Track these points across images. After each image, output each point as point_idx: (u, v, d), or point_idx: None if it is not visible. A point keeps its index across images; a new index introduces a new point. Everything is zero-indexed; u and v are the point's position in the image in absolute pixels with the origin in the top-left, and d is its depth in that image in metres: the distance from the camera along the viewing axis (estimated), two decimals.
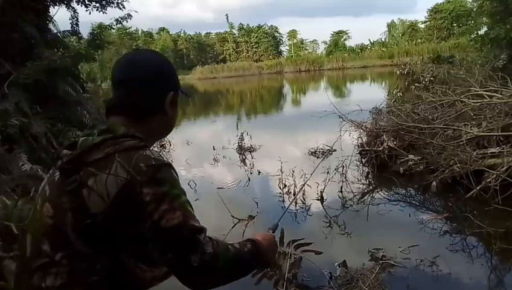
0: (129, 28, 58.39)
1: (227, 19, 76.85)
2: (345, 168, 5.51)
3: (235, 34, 69.95)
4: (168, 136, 8.89)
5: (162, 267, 0.98)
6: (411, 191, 5.28)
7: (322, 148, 7.44)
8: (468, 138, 4.98)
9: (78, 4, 9.35)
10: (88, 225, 0.88)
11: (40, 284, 0.92)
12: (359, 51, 58.39)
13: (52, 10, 9.01)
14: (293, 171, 5.29)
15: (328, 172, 5.26)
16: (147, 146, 0.97)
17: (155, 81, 1.04)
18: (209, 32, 74.95)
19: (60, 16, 9.29)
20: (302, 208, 4.87)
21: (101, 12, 9.52)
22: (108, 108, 1.04)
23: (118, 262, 0.92)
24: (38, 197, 1.01)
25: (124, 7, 9.48)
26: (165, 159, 0.96)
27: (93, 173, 0.89)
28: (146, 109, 1.03)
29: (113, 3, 9.49)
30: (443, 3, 55.54)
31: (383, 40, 61.51)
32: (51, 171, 1.03)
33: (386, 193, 5.28)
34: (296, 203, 4.99)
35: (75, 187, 0.89)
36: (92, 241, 0.89)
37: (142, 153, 0.92)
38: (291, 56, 61.30)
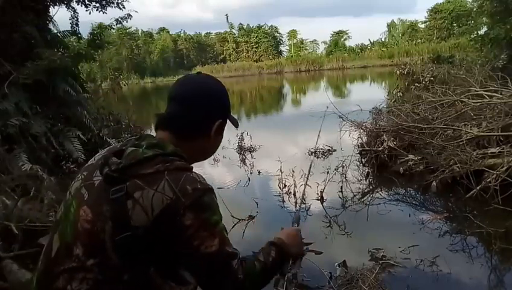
0: (129, 28, 58.46)
1: (227, 19, 77.04)
2: (345, 168, 5.51)
3: (235, 34, 69.99)
4: None
5: (189, 286, 0.99)
6: (411, 191, 5.27)
7: (322, 149, 7.44)
8: (468, 138, 4.98)
9: (78, 4, 9.37)
10: (127, 237, 0.88)
11: (65, 287, 0.91)
12: (359, 51, 58.41)
13: (52, 10, 9.02)
14: (293, 171, 5.29)
15: (328, 172, 5.26)
16: (193, 168, 1.00)
17: (208, 105, 1.06)
18: (209, 32, 75.16)
19: (60, 16, 9.29)
20: (302, 208, 4.86)
21: (101, 12, 9.52)
22: (159, 121, 1.06)
23: (147, 276, 0.92)
24: (73, 198, 0.99)
25: (124, 7, 9.51)
26: (209, 183, 0.99)
27: (141, 186, 0.90)
28: (194, 130, 1.05)
29: (113, 3, 9.50)
30: (443, 3, 55.59)
31: (383, 40, 61.58)
32: (85, 173, 1.01)
33: (386, 193, 5.27)
34: (296, 203, 4.99)
35: (120, 197, 0.89)
36: (126, 252, 0.89)
37: (189, 175, 0.96)
38: (291, 56, 61.32)
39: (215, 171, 7.17)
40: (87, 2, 9.43)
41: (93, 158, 1.07)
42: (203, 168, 7.37)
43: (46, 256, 0.99)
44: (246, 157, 7.77)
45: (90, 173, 1.01)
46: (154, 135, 1.07)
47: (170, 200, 0.89)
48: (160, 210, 0.88)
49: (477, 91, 6.00)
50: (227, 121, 1.16)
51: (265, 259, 1.06)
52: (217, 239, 0.93)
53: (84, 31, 9.84)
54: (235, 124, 1.21)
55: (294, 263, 1.27)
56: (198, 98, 1.05)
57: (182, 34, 71.61)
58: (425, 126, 5.64)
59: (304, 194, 4.24)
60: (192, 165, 1.07)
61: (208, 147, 1.11)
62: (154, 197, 0.89)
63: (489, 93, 5.84)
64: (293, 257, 1.23)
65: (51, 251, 0.97)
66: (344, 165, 5.52)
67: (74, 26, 9.60)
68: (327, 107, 4.74)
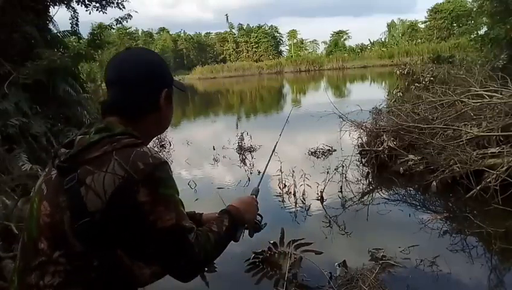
0: (129, 28, 58.45)
1: (227, 19, 76.90)
2: (344, 168, 5.50)
3: (235, 34, 69.97)
4: (168, 137, 8.89)
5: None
6: (411, 191, 5.28)
7: (322, 149, 7.44)
8: (468, 138, 4.98)
9: (78, 4, 9.35)
10: (85, 223, 0.88)
11: (38, 283, 0.91)
12: (359, 51, 58.41)
13: (52, 10, 9.00)
14: (293, 171, 5.29)
15: (328, 172, 5.26)
16: (144, 143, 0.98)
17: (148, 80, 1.03)
18: (209, 32, 75.12)
19: (60, 16, 9.29)
20: (302, 208, 4.87)
21: (101, 12, 9.52)
22: (104, 108, 1.04)
23: (115, 259, 0.92)
24: (35, 195, 1.01)
25: (124, 7, 9.48)
26: (161, 156, 0.97)
27: (91, 171, 0.89)
28: (141, 108, 1.03)
29: (113, 3, 9.49)
30: (443, 3, 55.57)
31: (383, 40, 61.56)
32: (46, 170, 1.02)
33: (386, 193, 5.27)
34: (296, 203, 4.99)
35: (73, 185, 0.90)
36: (89, 239, 0.89)
37: (139, 150, 0.93)
38: (291, 56, 61.30)
39: (215, 171, 7.17)
40: (87, 2, 9.41)
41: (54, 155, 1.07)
42: (203, 169, 7.38)
43: (20, 254, 1.01)
44: (245, 157, 7.77)
45: (49, 168, 1.01)
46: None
47: (122, 179, 0.88)
48: (112, 191, 0.87)
49: (477, 91, 6.00)
50: (173, 87, 1.13)
51: (218, 229, 1.05)
52: (173, 213, 0.92)
53: (84, 31, 9.83)
54: (182, 89, 1.18)
55: (249, 230, 1.29)
56: (136, 76, 1.01)
57: (182, 34, 71.68)
58: (425, 126, 5.64)
59: (303, 193, 4.24)
60: (150, 141, 1.09)
61: (161, 119, 1.08)
62: (106, 179, 0.88)
63: (489, 93, 5.84)
64: (247, 224, 1.24)
65: (23, 249, 0.99)
66: (344, 165, 5.52)
67: (74, 26, 9.59)
68: (325, 110, 4.72)
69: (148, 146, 0.99)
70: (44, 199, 0.96)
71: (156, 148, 9.16)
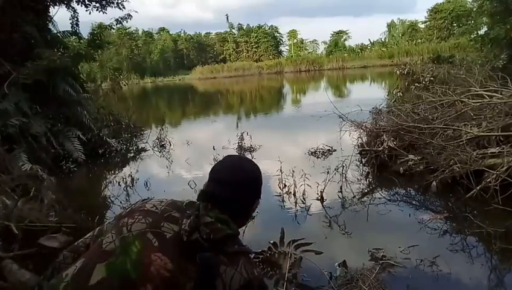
0: (129, 28, 58.44)
1: (227, 19, 76.84)
2: (344, 168, 5.50)
3: (235, 34, 69.98)
4: (168, 136, 8.88)
5: None
6: (411, 191, 5.27)
7: (322, 148, 7.44)
8: (468, 138, 4.98)
9: (78, 4, 9.37)
10: None
11: None
12: (359, 51, 58.40)
13: (52, 10, 9.02)
14: (293, 171, 5.29)
15: (328, 172, 5.25)
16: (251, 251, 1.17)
17: (253, 190, 1.22)
18: (209, 32, 75.03)
19: (60, 16, 9.30)
20: (302, 208, 4.87)
21: (101, 12, 9.53)
22: (208, 198, 1.15)
23: None
24: (134, 238, 1.05)
25: (124, 7, 9.50)
26: None
27: (225, 262, 1.05)
28: (239, 211, 1.19)
29: (113, 3, 9.51)
30: (443, 3, 55.58)
31: (383, 40, 61.56)
32: (150, 220, 1.09)
33: (386, 193, 5.27)
34: (296, 203, 4.99)
35: (209, 265, 1.03)
36: None
37: (252, 260, 1.16)
38: (291, 56, 61.28)
39: None
40: (87, 2, 9.43)
41: (152, 204, 1.15)
42: (203, 169, 7.37)
43: (78, 280, 1.02)
44: None
45: (156, 221, 1.08)
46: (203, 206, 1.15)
47: (245, 280, 1.05)
48: (237, 288, 1.04)
49: (477, 91, 6.00)
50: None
51: None
52: None
53: (84, 31, 9.85)
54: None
55: None
56: (247, 182, 1.20)
57: (182, 34, 71.68)
58: (425, 126, 5.64)
59: (303, 193, 4.24)
60: None
61: (244, 222, 1.27)
62: (235, 275, 1.05)
63: (489, 93, 5.84)
64: None
65: (88, 278, 1.00)
66: (344, 165, 5.52)
67: (74, 26, 9.60)
68: (325, 111, 4.72)
69: None
70: (158, 251, 1.02)
71: (156, 148, 9.18)
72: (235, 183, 1.17)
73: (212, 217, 1.08)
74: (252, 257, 1.16)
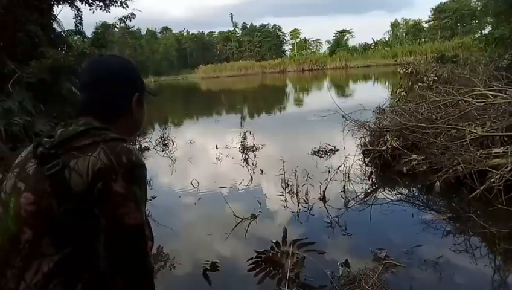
0: (132, 27, 58.50)
1: (231, 18, 76.71)
2: (347, 167, 5.49)
3: (238, 34, 69.98)
4: (171, 136, 8.90)
5: None
6: (414, 191, 5.26)
7: (324, 148, 7.43)
8: (472, 137, 4.96)
9: (81, 3, 9.39)
10: (71, 204, 0.90)
11: (17, 285, 0.91)
12: (362, 50, 58.22)
13: (56, 9, 9.05)
14: (295, 170, 5.29)
15: (329, 171, 5.24)
16: (127, 140, 1.03)
17: (121, 83, 1.09)
18: (212, 32, 75.05)
19: (63, 15, 9.33)
20: (305, 207, 4.86)
21: (104, 11, 9.55)
22: (79, 109, 1.08)
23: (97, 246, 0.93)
24: (10, 195, 1.00)
25: (127, 6, 9.51)
26: (142, 160, 1.01)
27: (76, 155, 0.93)
28: (114, 110, 1.08)
29: (116, 2, 9.52)
30: (447, 2, 55.33)
31: (386, 39, 61.34)
32: (17, 170, 1.03)
33: (389, 193, 5.26)
34: (298, 202, 4.98)
35: (57, 170, 0.92)
36: (76, 222, 0.91)
37: (125, 145, 0.98)
38: (294, 55, 61.19)
39: (218, 170, 7.17)
40: (90, 1, 9.45)
41: (19, 156, 1.09)
42: (206, 168, 7.39)
43: None
44: (248, 157, 7.77)
45: (22, 167, 1.02)
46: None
47: (104, 165, 0.92)
48: (94, 172, 0.91)
49: (481, 91, 5.97)
50: (145, 93, 1.19)
51: None
52: (140, 214, 0.95)
53: (88, 30, 9.88)
54: (153, 94, 1.25)
55: None
56: (110, 78, 1.08)
57: (185, 33, 71.81)
58: (429, 126, 5.62)
59: (306, 193, 4.24)
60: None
61: (132, 123, 1.13)
62: (90, 161, 0.92)
63: (494, 93, 5.81)
64: None
65: None
66: (347, 164, 5.51)
67: (78, 25, 9.64)
68: (328, 110, 4.71)
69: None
70: (24, 192, 0.96)
71: (159, 147, 9.19)
72: (97, 79, 1.06)
73: (68, 127, 1.00)
74: (128, 145, 0.99)
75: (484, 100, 5.66)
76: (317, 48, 70.28)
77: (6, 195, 1.01)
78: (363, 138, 6.71)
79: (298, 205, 4.91)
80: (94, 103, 1.06)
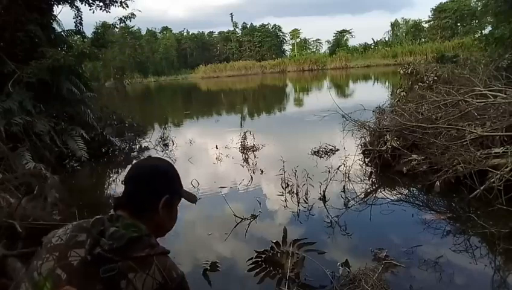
0: (132, 27, 58.49)
1: (231, 18, 76.72)
2: (347, 167, 5.49)
3: (238, 34, 69.99)
4: (171, 135, 8.90)
5: None
6: (414, 191, 5.26)
7: (324, 148, 7.43)
8: (472, 137, 4.96)
9: (81, 3, 9.38)
10: None
11: None
12: (362, 50, 58.23)
13: (56, 9, 9.04)
14: (295, 170, 5.29)
15: (329, 171, 5.25)
16: (169, 251, 1.12)
17: (154, 182, 1.17)
18: (212, 32, 75.04)
19: (63, 15, 9.32)
20: (305, 207, 4.86)
21: (104, 11, 9.53)
22: (118, 202, 1.15)
23: None
24: (45, 279, 1.01)
25: (127, 6, 9.50)
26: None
27: (134, 268, 1.00)
28: (143, 207, 1.14)
29: (116, 2, 9.50)
30: (447, 2, 55.33)
31: (386, 39, 61.36)
32: (57, 254, 1.05)
33: (389, 193, 5.26)
34: (298, 202, 4.98)
35: (113, 276, 0.97)
36: None
37: (170, 260, 1.09)
38: (294, 55, 61.21)
39: (218, 170, 7.17)
40: (90, 1, 9.43)
41: (57, 237, 1.10)
42: (206, 168, 7.39)
43: None
44: (248, 157, 7.77)
45: (63, 253, 1.04)
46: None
47: (159, 284, 1.01)
48: None
49: (481, 91, 5.97)
50: (179, 197, 1.27)
51: None
52: None
53: (88, 30, 9.87)
54: (191, 200, 1.32)
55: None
56: (145, 177, 1.17)
57: (185, 33, 71.82)
58: (429, 126, 5.62)
59: (306, 193, 4.24)
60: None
61: (159, 222, 1.18)
62: (147, 280, 1.00)
63: (494, 93, 5.81)
64: None
65: None
66: (347, 164, 5.51)
67: (78, 25, 9.63)
68: (328, 110, 4.71)
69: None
70: (66, 283, 0.98)
71: (159, 147, 9.19)
72: (138, 176, 1.17)
73: (117, 226, 1.05)
74: (168, 255, 1.09)
75: (484, 100, 5.66)
76: (317, 48, 70.39)
77: (40, 277, 1.02)
78: (363, 138, 6.71)
79: (298, 205, 4.91)
80: (130, 197, 1.14)
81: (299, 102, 20.43)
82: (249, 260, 3.49)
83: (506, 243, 3.44)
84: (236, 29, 70.38)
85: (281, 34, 70.60)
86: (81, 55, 8.37)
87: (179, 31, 72.75)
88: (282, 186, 5.43)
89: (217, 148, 8.36)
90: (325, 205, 4.88)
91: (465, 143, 4.93)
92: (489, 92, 5.86)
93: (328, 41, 67.50)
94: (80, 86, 8.18)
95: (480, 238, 3.71)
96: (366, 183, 5.67)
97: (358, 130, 6.74)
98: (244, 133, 8.31)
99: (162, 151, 8.88)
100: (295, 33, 69.88)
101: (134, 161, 1.22)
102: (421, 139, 5.65)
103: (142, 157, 1.34)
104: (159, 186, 1.17)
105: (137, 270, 1.00)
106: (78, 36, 9.89)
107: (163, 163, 1.25)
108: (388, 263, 3.27)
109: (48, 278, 1.01)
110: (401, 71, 10.71)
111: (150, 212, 1.14)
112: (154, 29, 69.99)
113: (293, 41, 70.29)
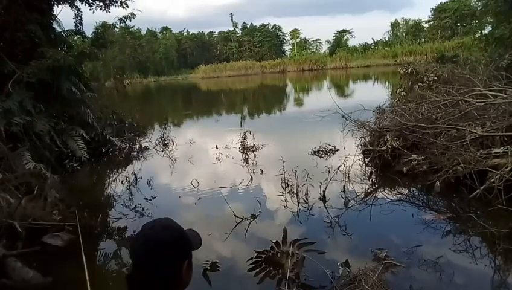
0: (132, 27, 58.47)
1: (231, 18, 76.66)
2: (347, 167, 5.49)
3: (238, 34, 70.00)
4: (171, 135, 8.88)
5: None
6: (414, 191, 5.26)
7: (324, 148, 7.43)
8: (472, 137, 4.95)
9: (81, 3, 9.37)
10: None
11: None
12: (362, 50, 58.22)
13: (56, 9, 9.03)
14: (295, 170, 5.29)
15: (329, 171, 5.25)
16: None
17: (170, 257, 1.12)
18: (212, 32, 75.04)
19: (63, 15, 9.31)
20: (305, 207, 4.86)
21: (104, 11, 9.52)
22: (132, 283, 1.12)
23: None
24: None
25: (127, 6, 9.49)
26: None
27: None
28: (165, 283, 1.12)
29: (116, 2, 9.49)
30: (447, 2, 55.34)
31: (386, 39, 61.36)
32: None
33: (389, 193, 5.26)
34: (298, 202, 4.98)
35: None
36: None
37: None
38: (294, 55, 61.21)
39: (218, 170, 7.17)
40: (90, 1, 9.42)
41: None
42: (206, 168, 7.39)
43: None
44: (248, 157, 7.77)
45: None
46: None
47: None
48: None
49: (481, 91, 5.97)
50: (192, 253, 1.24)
51: None
52: None
53: (88, 30, 9.86)
54: (199, 246, 1.27)
55: None
56: (159, 258, 1.10)
57: (185, 33, 71.79)
58: (429, 126, 5.62)
59: (305, 193, 4.23)
60: None
61: (180, 285, 1.18)
62: None
63: (494, 93, 5.80)
64: None
65: None
66: (347, 164, 5.51)
67: (78, 25, 9.62)
68: (328, 110, 4.71)
69: None
70: None
71: (159, 147, 9.19)
72: (146, 262, 1.10)
73: None
74: None
75: (484, 100, 5.66)
76: (317, 48, 70.35)
77: None
78: (363, 138, 6.71)
79: (298, 205, 4.91)
80: (148, 282, 1.10)
81: (299, 102, 20.42)
82: (249, 260, 3.49)
83: (506, 243, 3.44)
84: (236, 29, 70.39)
85: (281, 34, 70.61)
86: (81, 55, 8.37)
87: (179, 31, 72.71)
88: (282, 186, 5.43)
89: (217, 148, 8.36)
90: (325, 205, 4.88)
91: (465, 143, 4.92)
92: (489, 92, 5.86)
93: (328, 42, 67.46)
94: (79, 86, 8.17)
95: (480, 238, 3.71)
96: (366, 183, 5.67)
97: (358, 130, 6.74)
98: (244, 133, 8.31)
99: (162, 151, 8.88)
100: (295, 33, 69.86)
101: (134, 239, 1.15)
102: (421, 139, 5.64)
103: (141, 228, 1.18)
104: (177, 258, 1.14)
105: None
106: (78, 36, 9.88)
107: (169, 234, 1.16)
108: (388, 263, 3.27)
109: None
110: (401, 71, 10.71)
111: (174, 284, 1.14)
112: (154, 29, 69.97)
113: (293, 41, 70.27)
